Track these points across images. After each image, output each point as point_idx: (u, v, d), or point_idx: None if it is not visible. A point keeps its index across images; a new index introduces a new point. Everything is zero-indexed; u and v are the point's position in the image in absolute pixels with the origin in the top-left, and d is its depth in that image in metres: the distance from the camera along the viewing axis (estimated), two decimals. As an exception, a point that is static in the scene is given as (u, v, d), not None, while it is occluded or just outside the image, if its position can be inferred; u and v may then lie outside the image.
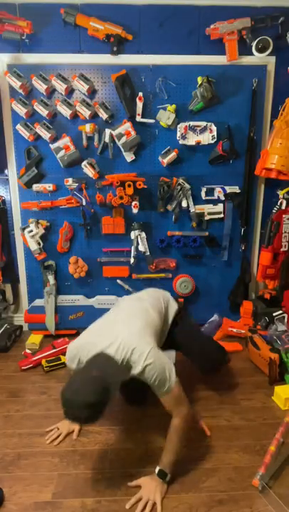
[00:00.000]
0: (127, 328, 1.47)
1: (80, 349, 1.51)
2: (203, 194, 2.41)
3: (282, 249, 2.43)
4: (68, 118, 2.27)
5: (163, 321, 1.72)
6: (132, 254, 2.41)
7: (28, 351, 2.32)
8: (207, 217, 2.44)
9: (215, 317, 2.53)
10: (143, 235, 2.38)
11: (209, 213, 2.44)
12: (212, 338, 1.95)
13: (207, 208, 2.43)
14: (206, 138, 2.30)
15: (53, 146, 2.27)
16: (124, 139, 2.26)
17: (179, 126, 2.28)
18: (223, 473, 1.44)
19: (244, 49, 2.26)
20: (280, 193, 2.42)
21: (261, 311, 2.41)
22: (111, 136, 2.27)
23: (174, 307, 1.85)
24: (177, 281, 2.51)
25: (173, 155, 2.30)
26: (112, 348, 1.39)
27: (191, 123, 2.28)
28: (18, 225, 2.46)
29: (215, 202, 2.44)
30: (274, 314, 2.31)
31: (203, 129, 2.30)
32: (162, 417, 1.44)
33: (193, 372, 1.90)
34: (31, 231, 2.36)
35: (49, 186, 2.35)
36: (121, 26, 2.19)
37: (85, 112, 2.24)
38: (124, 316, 1.62)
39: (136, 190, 2.28)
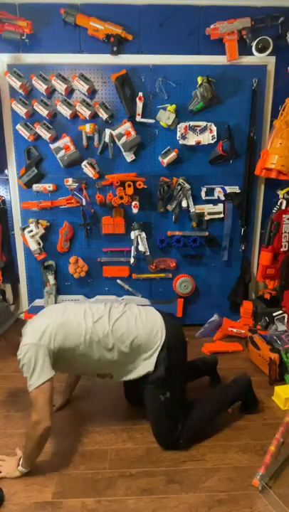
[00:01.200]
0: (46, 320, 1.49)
1: None
2: (203, 194, 2.41)
3: (282, 249, 2.43)
4: (68, 118, 2.27)
5: (112, 350, 1.45)
6: (132, 254, 2.41)
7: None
8: (207, 217, 2.44)
9: (215, 317, 2.53)
10: (143, 235, 2.38)
11: (209, 213, 2.44)
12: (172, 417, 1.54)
13: (207, 208, 2.43)
14: (206, 138, 2.30)
15: (53, 146, 2.27)
16: (124, 139, 2.26)
17: (179, 126, 2.28)
18: (223, 473, 1.44)
19: (244, 49, 2.27)
20: (280, 193, 2.42)
21: (261, 311, 2.41)
22: (111, 136, 2.27)
23: (147, 367, 1.48)
24: (177, 281, 2.51)
25: (173, 155, 2.30)
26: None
27: (191, 123, 2.28)
28: (18, 225, 2.46)
29: (215, 202, 2.44)
30: (274, 314, 2.31)
31: (203, 129, 2.30)
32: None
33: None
34: (31, 231, 2.37)
35: (49, 186, 2.35)
36: (121, 26, 2.19)
37: (85, 112, 2.24)
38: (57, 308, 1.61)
39: (136, 190, 2.28)
